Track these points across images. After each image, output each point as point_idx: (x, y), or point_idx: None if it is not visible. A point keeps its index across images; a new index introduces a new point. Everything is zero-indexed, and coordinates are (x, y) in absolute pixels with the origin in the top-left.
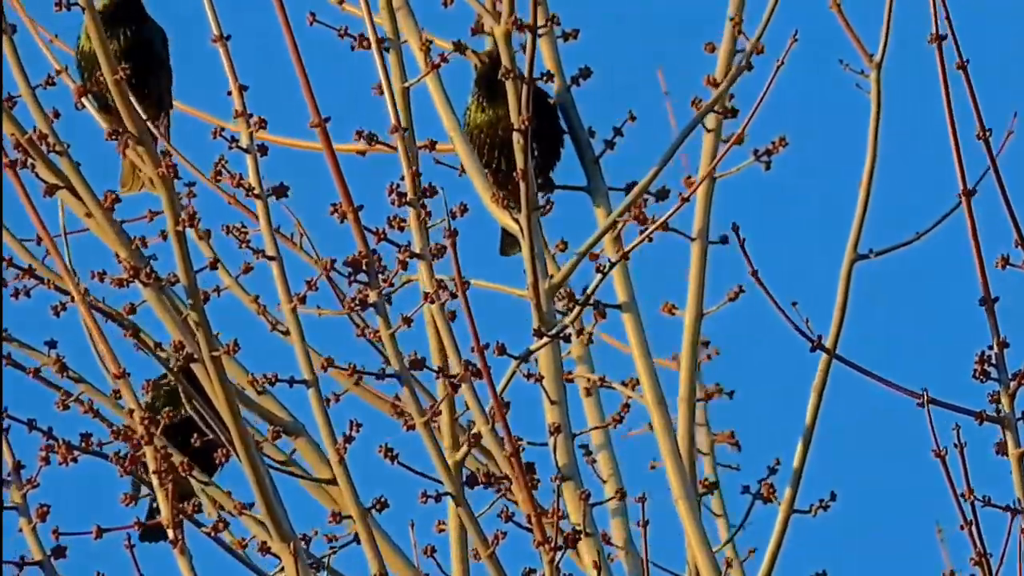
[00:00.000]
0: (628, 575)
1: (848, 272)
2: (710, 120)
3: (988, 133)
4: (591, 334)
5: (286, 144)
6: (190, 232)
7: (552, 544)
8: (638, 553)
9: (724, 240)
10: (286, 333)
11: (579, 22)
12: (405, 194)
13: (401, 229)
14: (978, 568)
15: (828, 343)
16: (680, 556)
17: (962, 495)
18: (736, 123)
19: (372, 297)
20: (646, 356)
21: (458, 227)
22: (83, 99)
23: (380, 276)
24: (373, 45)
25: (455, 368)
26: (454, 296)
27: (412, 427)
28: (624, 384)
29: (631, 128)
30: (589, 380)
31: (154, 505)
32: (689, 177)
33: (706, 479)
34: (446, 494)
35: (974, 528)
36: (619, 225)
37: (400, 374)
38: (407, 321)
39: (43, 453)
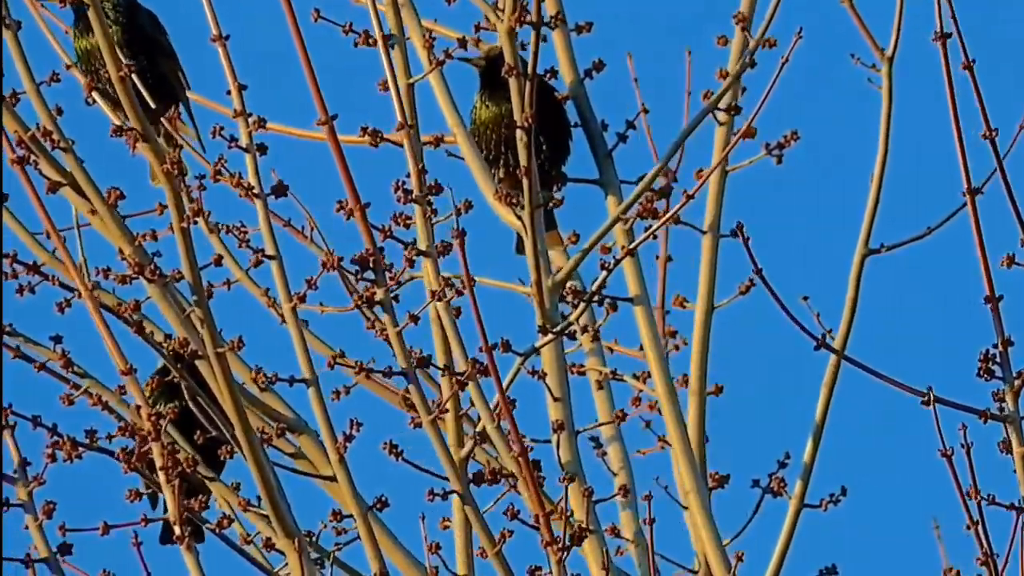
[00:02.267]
0: (638, 568)
1: (859, 266)
2: (722, 113)
3: (995, 133)
4: (597, 330)
5: (296, 135)
6: (200, 224)
7: (560, 544)
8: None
9: (735, 234)
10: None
11: (597, 14)
12: (411, 191)
13: (407, 226)
14: (984, 568)
15: (839, 337)
16: (689, 549)
17: (968, 494)
18: (745, 117)
19: (379, 295)
20: (657, 349)
21: (462, 223)
22: (93, 93)
23: (387, 274)
24: (379, 42)
25: (461, 366)
26: (460, 293)
27: (419, 425)
28: (636, 377)
29: (651, 120)
30: (601, 373)
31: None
32: (700, 170)
33: (716, 472)
34: (452, 492)
35: (980, 528)
36: (629, 221)
37: (407, 372)
38: (414, 319)
39: (49, 450)
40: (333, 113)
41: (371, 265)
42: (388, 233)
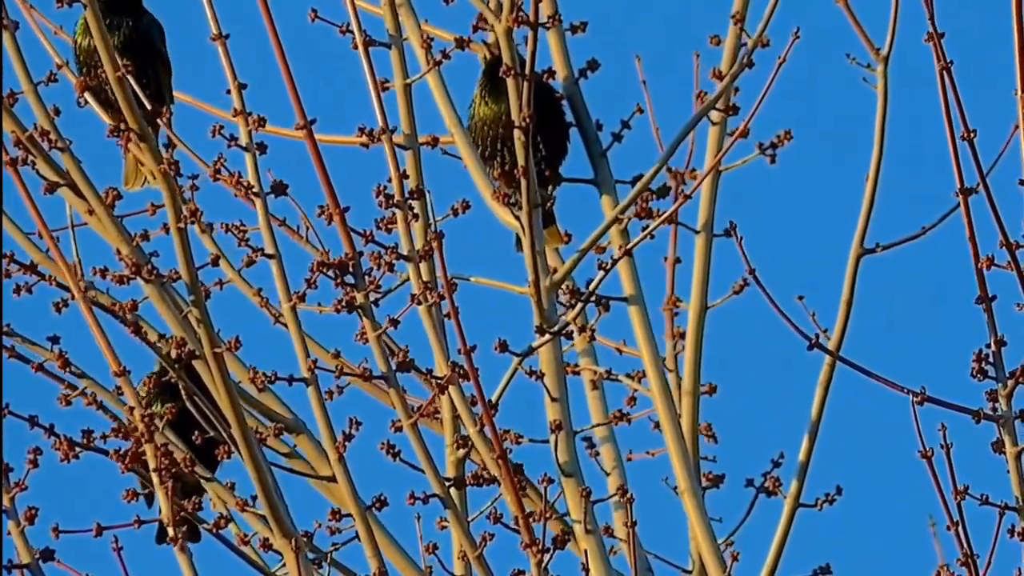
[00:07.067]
0: (631, 568)
1: (855, 266)
2: (715, 113)
3: (973, 134)
4: (594, 330)
5: (290, 136)
6: (193, 227)
7: (540, 546)
8: (641, 546)
9: (728, 233)
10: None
11: (591, 13)
12: (392, 196)
13: (388, 231)
14: (965, 569)
15: (834, 337)
16: (684, 549)
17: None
18: (740, 117)
19: (359, 299)
20: (652, 349)
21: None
22: (85, 94)
23: (367, 278)
24: (360, 47)
25: (443, 369)
26: (442, 297)
27: (400, 429)
28: (630, 377)
29: (644, 120)
30: (595, 373)
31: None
32: (694, 171)
33: (710, 472)
34: (434, 496)
35: (961, 528)
36: (624, 220)
37: (387, 375)
38: (394, 323)
39: (31, 456)
40: (312, 117)
41: (350, 269)
42: (370, 237)
